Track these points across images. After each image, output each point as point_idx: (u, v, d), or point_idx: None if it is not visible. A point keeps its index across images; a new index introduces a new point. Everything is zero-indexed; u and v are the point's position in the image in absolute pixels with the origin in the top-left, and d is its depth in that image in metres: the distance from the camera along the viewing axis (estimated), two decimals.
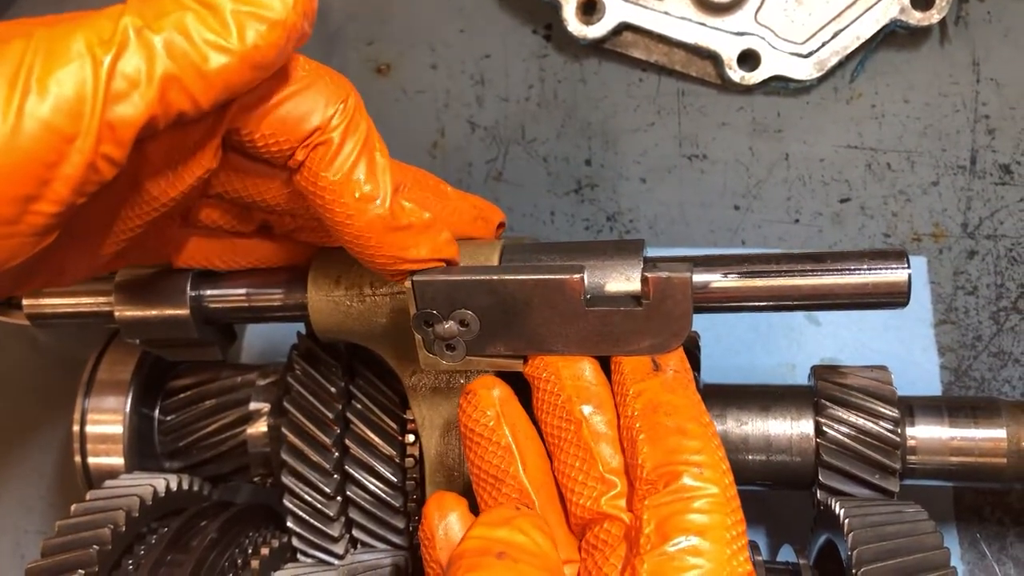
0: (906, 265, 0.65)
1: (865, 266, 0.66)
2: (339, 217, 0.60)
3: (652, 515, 0.54)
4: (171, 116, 0.52)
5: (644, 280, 0.61)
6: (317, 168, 0.58)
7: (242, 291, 0.78)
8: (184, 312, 0.77)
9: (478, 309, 0.63)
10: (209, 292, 0.78)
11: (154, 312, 0.78)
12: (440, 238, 0.63)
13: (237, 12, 0.52)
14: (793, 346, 0.97)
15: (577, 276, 0.61)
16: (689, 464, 0.55)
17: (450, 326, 0.64)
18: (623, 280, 0.66)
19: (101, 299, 0.82)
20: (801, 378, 0.86)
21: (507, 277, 0.62)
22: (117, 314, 0.79)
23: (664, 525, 0.53)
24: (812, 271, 0.66)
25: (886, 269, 0.65)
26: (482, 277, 0.62)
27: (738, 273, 0.67)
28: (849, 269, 0.66)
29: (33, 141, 0.48)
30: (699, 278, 0.67)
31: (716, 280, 0.67)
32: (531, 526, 0.54)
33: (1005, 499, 0.90)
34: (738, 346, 0.97)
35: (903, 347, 0.96)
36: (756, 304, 0.68)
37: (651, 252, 1.01)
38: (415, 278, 0.62)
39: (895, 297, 0.66)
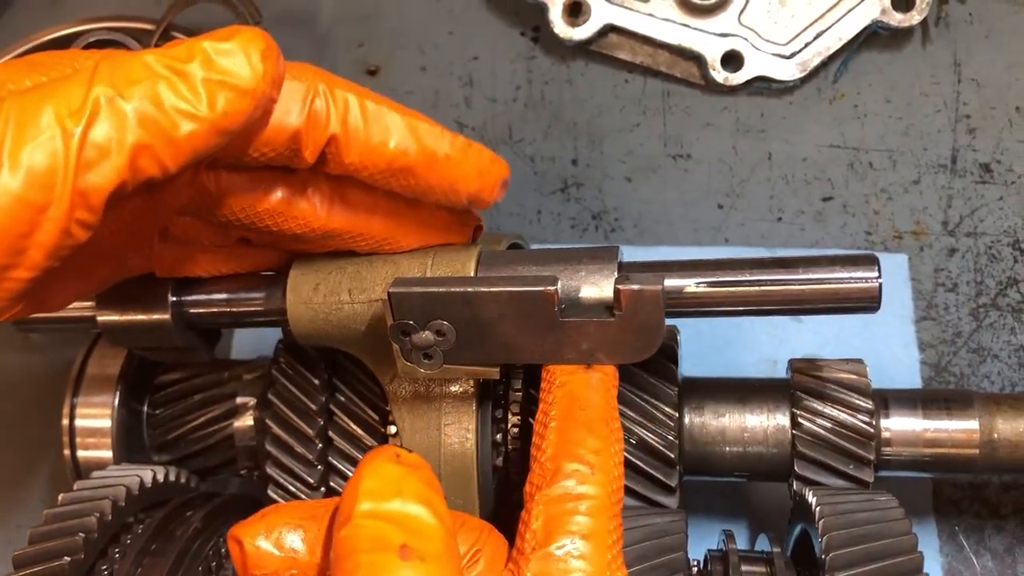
0: (877, 272, 0.66)
1: (836, 273, 0.66)
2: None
3: (540, 511, 0.56)
4: (140, 181, 0.53)
5: (616, 293, 0.62)
6: (349, 146, 0.63)
7: (223, 296, 0.78)
8: (166, 317, 0.78)
9: (454, 320, 0.64)
10: (190, 297, 0.78)
11: (136, 318, 0.78)
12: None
13: (208, 80, 0.53)
14: (774, 342, 0.98)
15: (551, 288, 0.62)
16: (583, 460, 0.58)
17: (427, 336, 0.65)
18: (596, 290, 0.67)
19: (84, 304, 0.82)
20: (782, 375, 0.87)
21: (482, 289, 0.63)
22: (99, 319, 0.79)
23: (551, 523, 0.55)
24: (784, 280, 0.67)
25: (857, 276, 0.66)
26: (457, 289, 0.63)
27: (710, 281, 0.68)
28: (820, 277, 0.66)
29: (6, 215, 0.49)
30: (672, 284, 0.68)
31: (688, 287, 0.68)
32: (423, 485, 0.52)
33: (983, 493, 0.91)
34: (719, 342, 0.98)
35: (884, 343, 0.97)
36: (728, 310, 0.69)
37: (635, 251, 1.03)
38: (391, 289, 0.64)
39: (866, 303, 0.66)
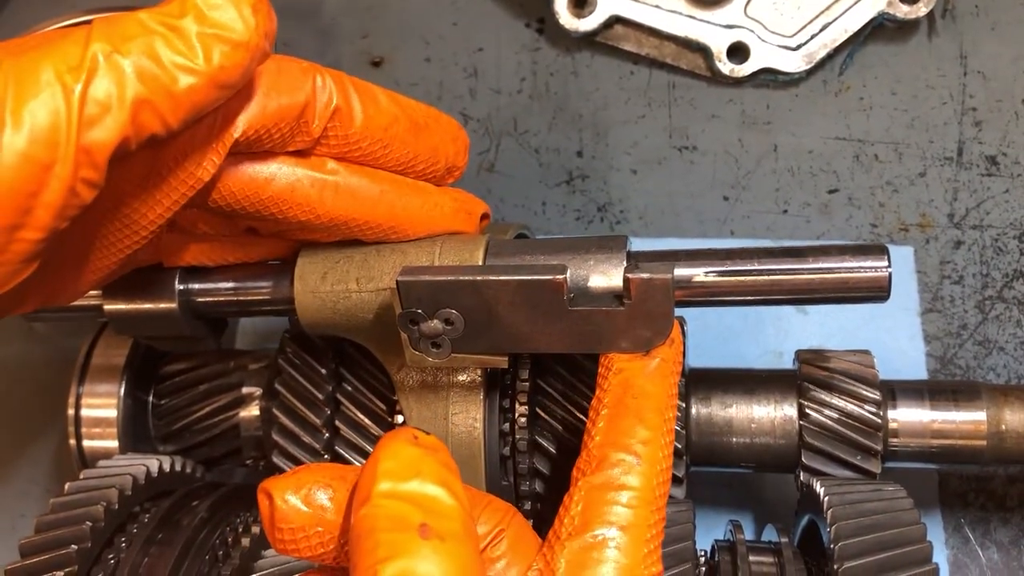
0: (886, 262, 0.66)
1: (846, 263, 0.66)
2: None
3: (581, 497, 0.56)
4: (143, 137, 0.53)
5: (626, 281, 0.62)
6: (352, 117, 0.66)
7: (230, 285, 0.78)
8: (172, 306, 0.77)
9: (462, 308, 0.64)
10: (197, 286, 0.78)
11: (143, 306, 0.78)
12: None
13: (203, 34, 0.53)
14: (780, 334, 0.98)
15: (560, 277, 0.62)
16: (631, 450, 0.57)
17: (435, 325, 0.65)
18: (605, 279, 0.67)
19: (91, 292, 0.82)
20: (788, 366, 0.87)
21: (490, 278, 0.63)
22: (106, 308, 0.79)
23: (590, 511, 0.55)
24: (793, 268, 0.67)
25: (867, 265, 0.66)
26: (466, 278, 0.63)
27: (719, 270, 0.68)
28: (830, 266, 0.66)
29: (13, 173, 0.49)
30: (681, 274, 0.68)
31: (698, 276, 0.68)
32: (441, 467, 0.51)
33: (988, 485, 0.91)
34: (726, 334, 0.98)
35: (890, 335, 0.97)
36: (737, 299, 0.69)
37: (641, 242, 1.02)
38: (399, 278, 0.63)
39: (876, 292, 0.66)
